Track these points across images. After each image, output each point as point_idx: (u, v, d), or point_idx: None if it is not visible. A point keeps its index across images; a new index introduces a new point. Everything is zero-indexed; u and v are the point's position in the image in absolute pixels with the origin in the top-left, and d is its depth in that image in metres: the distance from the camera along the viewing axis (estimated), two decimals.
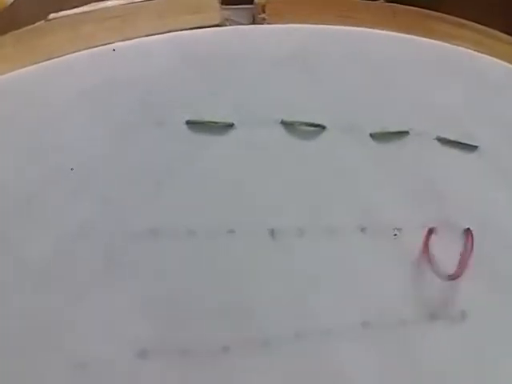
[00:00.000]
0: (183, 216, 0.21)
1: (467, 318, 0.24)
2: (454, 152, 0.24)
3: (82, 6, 0.22)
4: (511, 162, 0.25)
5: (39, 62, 0.20)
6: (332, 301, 0.22)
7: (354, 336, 0.22)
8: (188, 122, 0.21)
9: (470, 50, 0.25)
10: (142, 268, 0.21)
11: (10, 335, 0.20)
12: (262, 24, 0.22)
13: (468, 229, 0.24)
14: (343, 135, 0.23)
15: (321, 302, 0.22)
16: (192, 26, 0.21)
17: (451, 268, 0.23)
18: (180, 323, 0.21)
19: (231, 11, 0.23)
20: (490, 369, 0.24)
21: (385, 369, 0.23)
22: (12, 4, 0.23)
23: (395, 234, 0.23)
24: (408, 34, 0.24)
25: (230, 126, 0.21)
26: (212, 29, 0.21)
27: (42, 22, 0.21)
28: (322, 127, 0.22)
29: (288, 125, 0.22)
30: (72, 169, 0.20)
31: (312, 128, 0.22)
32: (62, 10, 0.21)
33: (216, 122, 0.21)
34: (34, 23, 0.22)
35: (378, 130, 0.23)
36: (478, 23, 0.25)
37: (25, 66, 0.20)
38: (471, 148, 0.24)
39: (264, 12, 0.22)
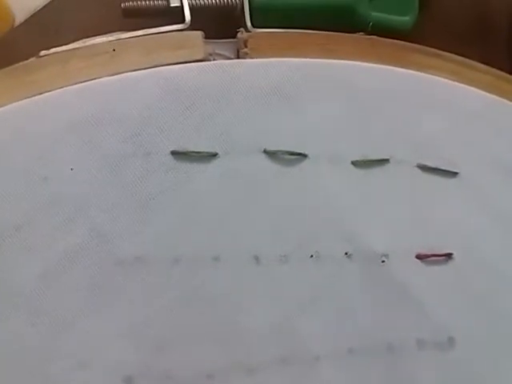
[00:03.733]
0: (169, 243, 0.22)
1: (455, 345, 0.24)
2: (435, 178, 0.25)
3: (73, 41, 0.23)
4: (490, 186, 0.26)
5: (30, 97, 0.21)
6: (318, 327, 0.23)
7: (340, 362, 0.23)
8: (173, 153, 0.22)
9: (447, 80, 0.26)
10: (128, 295, 0.21)
11: None
12: (245, 58, 0.23)
13: (450, 253, 0.24)
14: (325, 163, 0.23)
15: (307, 329, 0.22)
16: (177, 61, 0.22)
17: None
18: (165, 350, 0.21)
19: (216, 45, 0.24)
20: None
21: None
22: (7, 39, 0.24)
23: (383, 261, 0.23)
24: (386, 64, 0.25)
25: (214, 155, 0.22)
26: (196, 64, 0.22)
27: (34, 58, 0.22)
28: (304, 155, 0.23)
29: (271, 154, 0.23)
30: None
31: (294, 156, 0.23)
32: (54, 45, 0.23)
33: (199, 152, 0.22)
34: (27, 58, 0.23)
35: (359, 157, 0.23)
36: (456, 53, 0.26)
37: (16, 101, 0.21)
38: (451, 174, 0.25)
39: (246, 47, 0.23)
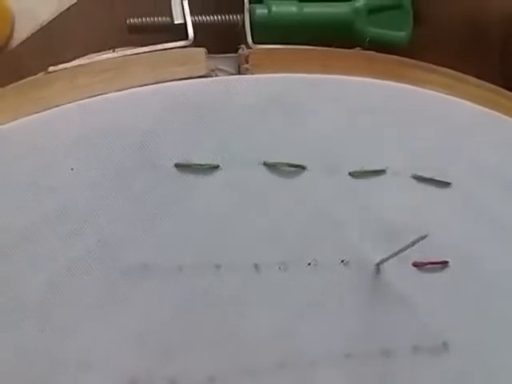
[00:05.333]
0: (173, 252, 0.22)
1: (449, 349, 0.24)
2: (430, 189, 0.26)
3: (79, 55, 0.24)
4: (483, 196, 0.26)
5: (39, 112, 0.22)
6: (316, 332, 0.23)
7: (338, 367, 0.23)
8: (177, 165, 0.23)
9: (441, 94, 0.27)
10: (134, 302, 0.22)
11: (4, 370, 0.20)
12: (246, 74, 0.24)
13: (446, 261, 0.25)
14: (323, 174, 0.24)
15: (304, 333, 0.23)
16: (181, 77, 0.23)
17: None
18: (169, 355, 0.22)
19: (218, 60, 0.25)
20: None
21: None
22: (14, 53, 0.25)
23: (379, 268, 0.24)
24: (383, 79, 0.26)
25: (216, 167, 0.23)
26: (198, 80, 0.23)
27: (42, 73, 0.23)
28: (303, 167, 0.24)
29: (270, 166, 0.24)
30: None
31: (293, 168, 0.24)
32: (61, 59, 0.23)
33: (202, 165, 0.23)
34: (35, 72, 0.23)
35: (356, 168, 0.24)
36: (450, 67, 0.27)
37: (25, 116, 0.22)
38: (445, 184, 0.26)
39: (247, 62, 0.24)
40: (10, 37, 0.27)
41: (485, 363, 0.25)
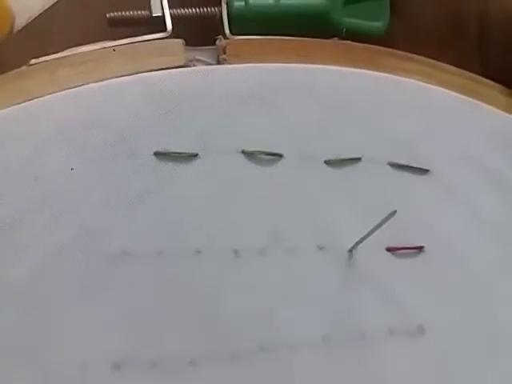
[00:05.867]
0: (153, 238, 0.23)
1: (425, 333, 0.25)
2: (406, 175, 0.26)
3: (62, 50, 0.25)
4: (462, 183, 0.27)
5: (20, 103, 0.23)
6: (294, 316, 0.24)
7: (315, 349, 0.24)
8: (156, 154, 0.23)
9: (418, 81, 0.27)
10: (115, 287, 0.22)
11: None
12: (223, 64, 0.24)
13: (422, 246, 0.26)
14: (299, 163, 0.25)
15: (283, 317, 0.24)
16: (159, 68, 0.24)
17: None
18: (150, 338, 0.22)
19: (197, 52, 0.25)
20: (451, 380, 0.25)
21: (345, 382, 0.24)
22: (0, 48, 0.26)
23: (353, 253, 0.25)
24: (361, 68, 0.26)
25: (195, 156, 0.24)
26: (176, 69, 0.24)
27: (24, 66, 0.24)
28: (280, 155, 0.24)
29: (248, 154, 0.24)
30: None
31: (270, 157, 0.24)
32: (45, 53, 0.24)
33: (181, 153, 0.23)
34: (19, 66, 0.24)
35: (331, 157, 0.25)
36: (428, 57, 0.28)
37: (7, 107, 0.23)
38: (422, 171, 0.26)
39: (225, 53, 0.25)
40: (9, 35, 0.27)
41: (460, 347, 0.25)
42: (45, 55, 0.24)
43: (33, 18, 0.26)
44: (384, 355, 0.25)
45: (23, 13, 0.27)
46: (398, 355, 0.25)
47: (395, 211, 0.21)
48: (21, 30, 0.26)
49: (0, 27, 0.26)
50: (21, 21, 0.27)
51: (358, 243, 0.24)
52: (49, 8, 0.25)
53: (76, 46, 0.24)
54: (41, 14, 0.26)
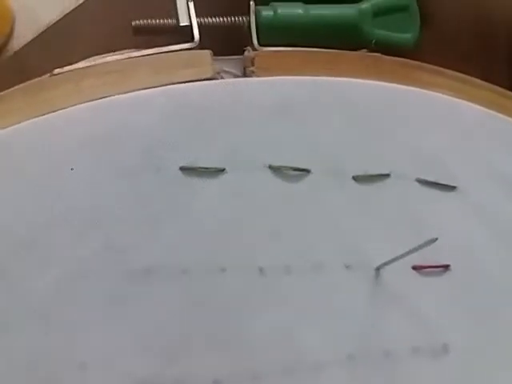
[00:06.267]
0: (178, 255, 0.22)
1: (450, 352, 0.24)
2: (434, 192, 0.26)
3: (84, 57, 0.24)
4: (490, 200, 0.26)
5: (45, 114, 0.22)
6: (318, 335, 0.23)
7: (340, 369, 0.23)
8: (182, 168, 0.23)
9: (447, 96, 0.26)
10: (139, 305, 0.22)
11: (8, 371, 0.21)
12: (251, 76, 0.24)
13: (448, 265, 0.25)
14: (327, 178, 0.24)
15: (308, 337, 0.23)
16: (187, 80, 0.23)
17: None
18: (174, 357, 0.22)
19: (224, 62, 0.25)
20: None
21: None
22: (19, 54, 0.25)
23: (380, 272, 0.24)
24: (389, 81, 0.26)
25: (221, 170, 0.23)
26: (204, 82, 0.23)
27: (48, 75, 0.23)
28: (307, 171, 0.24)
29: (275, 169, 0.24)
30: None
31: (298, 172, 0.24)
32: (66, 61, 0.23)
33: (207, 168, 0.23)
34: (40, 71, 0.23)
35: (360, 173, 0.24)
36: (457, 70, 0.27)
37: (32, 118, 0.22)
38: (450, 188, 0.26)
39: (253, 65, 0.24)
40: (10, 35, 0.27)
41: (485, 367, 0.25)
42: (67, 62, 0.23)
43: (52, 23, 0.25)
44: (408, 374, 0.24)
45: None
46: (422, 374, 0.24)
47: (436, 238, 0.21)
48: (40, 35, 0.25)
49: (0, 28, 0.26)
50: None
51: (387, 263, 0.23)
52: (70, 13, 0.24)
53: (99, 53, 0.24)
54: (62, 19, 0.25)
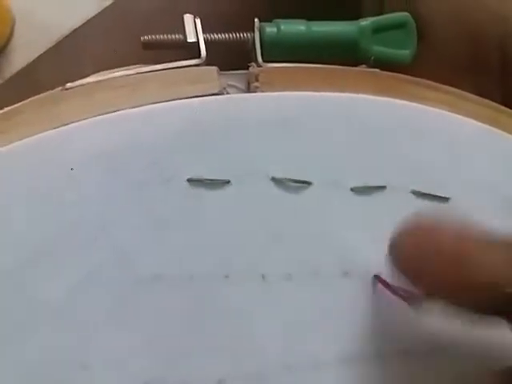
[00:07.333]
0: (184, 262, 0.24)
1: (438, 353, 0.26)
2: (428, 204, 0.27)
3: (93, 72, 0.25)
4: (479, 212, 0.27)
5: (57, 127, 0.23)
6: (319, 337, 0.25)
7: (338, 369, 0.25)
8: (189, 180, 0.24)
9: (443, 111, 0.28)
10: (147, 310, 0.23)
11: (20, 372, 0.22)
12: (256, 92, 0.25)
13: None
14: (327, 190, 0.25)
15: (308, 339, 0.25)
16: (194, 95, 0.24)
17: None
18: (179, 359, 0.23)
19: (229, 76, 0.26)
20: None
21: None
22: (30, 68, 0.26)
23: (376, 279, 0.25)
24: (386, 96, 0.27)
25: (227, 182, 0.24)
26: (210, 97, 0.24)
27: (59, 89, 0.24)
28: (309, 183, 0.25)
29: (278, 181, 0.25)
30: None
31: (299, 184, 0.25)
32: (76, 75, 0.24)
33: (213, 180, 0.24)
34: (49, 86, 0.24)
35: (358, 184, 0.25)
36: (451, 85, 0.28)
37: (44, 131, 0.23)
38: (443, 199, 0.27)
39: (257, 80, 0.25)
40: (9, 37, 0.27)
41: (476, 365, 0.26)
42: (77, 77, 0.24)
43: (64, 36, 0.26)
44: (402, 375, 0.26)
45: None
46: (415, 374, 0.26)
47: None
48: (51, 49, 0.26)
49: (0, 29, 0.26)
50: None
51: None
52: (80, 28, 0.25)
53: (107, 68, 0.25)
54: (72, 33, 0.26)
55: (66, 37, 0.26)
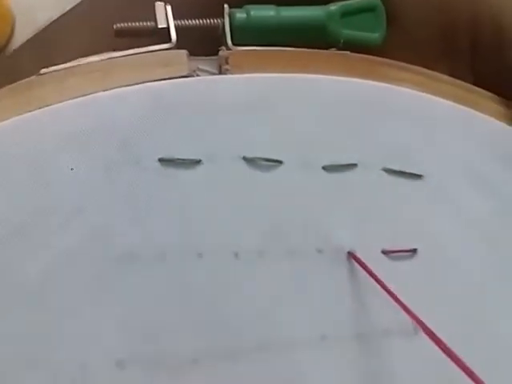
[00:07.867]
0: (157, 241, 0.24)
1: (420, 333, 0.26)
2: (400, 181, 0.27)
3: (70, 60, 0.26)
4: (455, 188, 0.28)
5: (31, 111, 0.23)
6: (292, 316, 0.25)
7: (314, 348, 0.25)
8: (160, 160, 0.24)
9: (413, 90, 0.28)
10: (122, 288, 0.23)
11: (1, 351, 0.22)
12: (226, 74, 0.25)
13: (415, 249, 0.27)
14: (298, 168, 0.26)
15: (282, 317, 0.25)
16: (164, 77, 0.25)
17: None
18: (153, 337, 0.23)
19: (200, 61, 0.26)
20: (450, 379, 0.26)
21: (345, 380, 0.25)
22: (11, 58, 0.27)
23: (349, 256, 0.26)
24: (357, 77, 0.27)
25: (198, 162, 0.25)
26: (181, 79, 0.25)
27: (35, 76, 0.25)
28: (280, 162, 0.25)
29: (249, 160, 0.25)
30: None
31: (271, 163, 0.25)
32: (54, 63, 0.25)
33: (184, 159, 0.24)
34: (29, 74, 0.25)
35: (329, 163, 0.26)
36: (423, 67, 0.29)
37: (19, 115, 0.23)
38: (416, 177, 0.27)
39: (227, 63, 0.25)
40: (10, 37, 0.28)
41: (453, 347, 0.26)
42: (54, 65, 0.25)
43: (40, 29, 0.26)
44: (381, 354, 0.26)
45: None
46: (396, 354, 0.26)
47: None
48: (30, 39, 0.27)
49: (0, 28, 0.27)
50: (27, 32, 0.28)
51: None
52: (55, 20, 0.26)
53: (83, 56, 0.25)
54: (50, 25, 0.27)
55: (45, 28, 0.27)
